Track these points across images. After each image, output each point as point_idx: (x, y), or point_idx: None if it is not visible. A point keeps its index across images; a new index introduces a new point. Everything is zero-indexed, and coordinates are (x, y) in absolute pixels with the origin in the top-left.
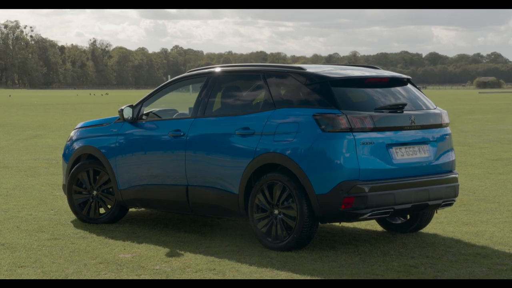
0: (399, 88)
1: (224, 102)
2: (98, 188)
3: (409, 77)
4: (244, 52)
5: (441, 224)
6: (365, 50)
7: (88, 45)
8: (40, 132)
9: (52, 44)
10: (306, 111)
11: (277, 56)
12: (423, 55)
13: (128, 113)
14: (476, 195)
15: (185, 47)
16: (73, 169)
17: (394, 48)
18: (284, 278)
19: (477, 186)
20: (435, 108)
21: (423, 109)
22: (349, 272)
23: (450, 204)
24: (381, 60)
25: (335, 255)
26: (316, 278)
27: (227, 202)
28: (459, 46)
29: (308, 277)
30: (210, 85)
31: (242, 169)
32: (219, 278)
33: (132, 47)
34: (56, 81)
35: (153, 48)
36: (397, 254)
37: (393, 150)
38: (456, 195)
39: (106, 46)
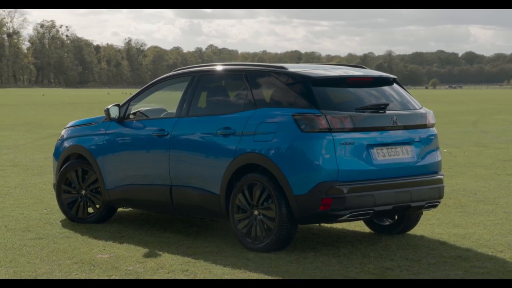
0: (384, 88)
1: (207, 101)
2: (86, 187)
3: (395, 76)
4: (279, 51)
5: (431, 225)
6: (400, 50)
7: (123, 45)
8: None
9: (88, 44)
10: (286, 111)
11: (312, 56)
12: (459, 55)
13: (114, 113)
14: (477, 196)
15: (220, 47)
16: (62, 168)
17: (430, 47)
18: (254, 279)
19: (480, 187)
20: (420, 108)
21: (407, 109)
22: (322, 274)
23: (435, 206)
24: (416, 59)
25: (314, 256)
26: (286, 279)
27: (209, 202)
28: (497, 45)
29: (279, 279)
30: (194, 84)
31: (223, 169)
32: (189, 279)
33: (167, 47)
34: (91, 80)
35: (188, 47)
36: (376, 256)
37: (374, 150)
38: (440, 196)
39: (141, 46)
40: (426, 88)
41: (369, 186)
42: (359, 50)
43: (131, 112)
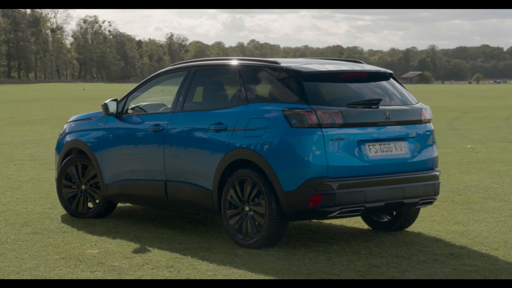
0: (379, 83)
1: (201, 96)
2: (86, 182)
3: (391, 71)
4: (321, 46)
5: (432, 222)
6: (444, 44)
7: (165, 40)
8: None
9: (130, 39)
10: (276, 106)
11: (354, 50)
12: (505, 49)
13: (112, 107)
14: (487, 193)
15: (262, 41)
16: (62, 163)
17: (475, 41)
18: (236, 277)
19: (493, 183)
20: (416, 104)
21: (402, 105)
22: (306, 271)
23: (430, 203)
24: (460, 54)
25: (303, 253)
26: (268, 278)
27: (202, 198)
28: None
29: (261, 277)
30: (189, 79)
31: (215, 165)
32: (172, 276)
33: (209, 42)
34: (133, 75)
35: (230, 42)
36: (366, 254)
37: (366, 146)
38: (436, 193)
39: (183, 41)
40: (470, 83)
41: (360, 182)
42: (402, 45)
43: (130, 107)
